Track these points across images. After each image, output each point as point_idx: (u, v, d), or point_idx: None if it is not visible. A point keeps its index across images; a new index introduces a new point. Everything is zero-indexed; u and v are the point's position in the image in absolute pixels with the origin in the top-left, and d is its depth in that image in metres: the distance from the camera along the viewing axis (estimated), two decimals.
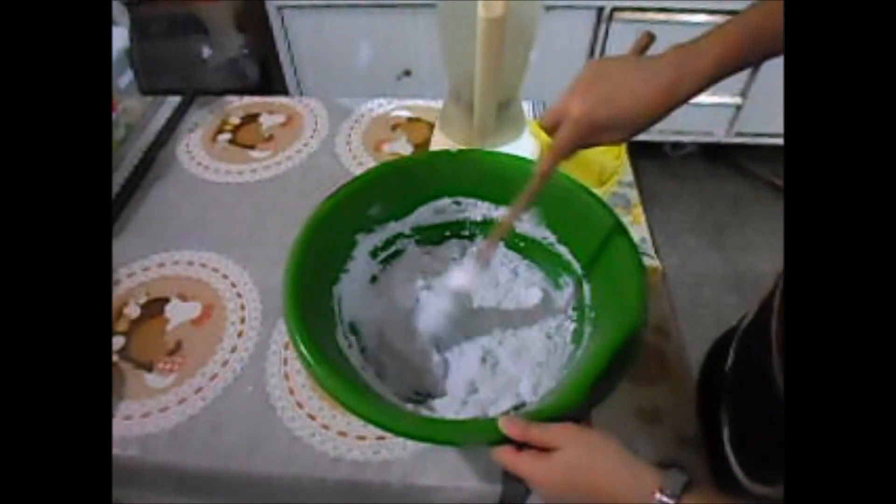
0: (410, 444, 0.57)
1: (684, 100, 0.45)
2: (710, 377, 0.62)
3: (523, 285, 0.66)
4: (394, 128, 0.93)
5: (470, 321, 0.62)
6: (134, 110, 0.96)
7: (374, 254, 0.65)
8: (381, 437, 0.57)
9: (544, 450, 0.41)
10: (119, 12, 0.98)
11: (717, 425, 0.56)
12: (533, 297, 0.64)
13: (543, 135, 0.82)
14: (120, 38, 0.97)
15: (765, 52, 0.44)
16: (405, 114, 0.96)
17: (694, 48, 0.45)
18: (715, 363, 0.61)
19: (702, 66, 0.44)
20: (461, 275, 0.59)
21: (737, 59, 0.44)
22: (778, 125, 1.68)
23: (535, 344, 0.61)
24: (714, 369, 0.61)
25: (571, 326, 0.61)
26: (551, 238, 0.64)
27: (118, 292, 0.71)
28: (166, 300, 0.70)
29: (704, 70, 0.44)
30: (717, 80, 0.44)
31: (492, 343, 0.61)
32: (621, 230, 0.56)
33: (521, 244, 0.67)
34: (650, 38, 0.49)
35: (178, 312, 0.69)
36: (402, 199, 0.65)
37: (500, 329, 0.62)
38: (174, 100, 0.98)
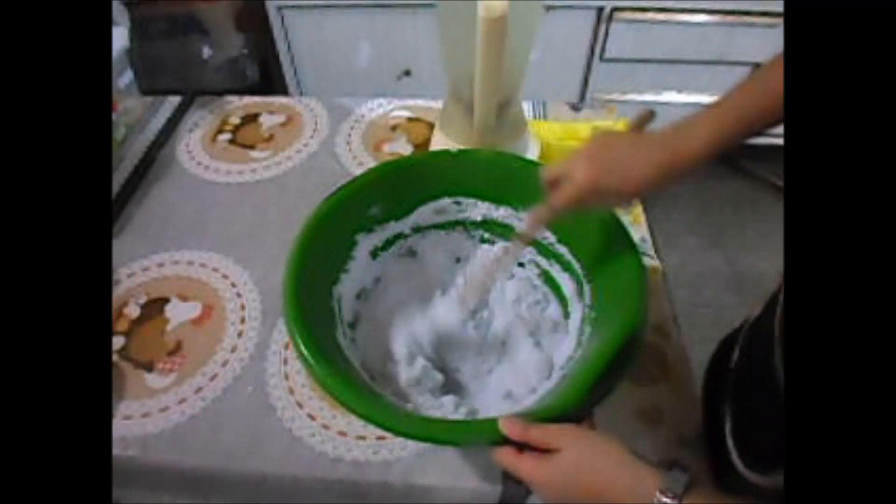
0: (410, 444, 0.57)
1: (682, 170, 0.47)
2: (716, 374, 0.63)
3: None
4: (394, 128, 0.93)
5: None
6: (134, 110, 0.96)
7: (374, 254, 0.65)
8: (381, 437, 0.57)
9: (545, 451, 0.41)
10: (119, 12, 0.97)
11: (721, 419, 0.56)
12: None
13: (544, 134, 0.83)
14: (120, 38, 0.96)
15: (757, 129, 0.47)
16: (405, 114, 0.96)
17: (687, 129, 0.47)
18: (721, 361, 0.62)
19: (695, 148, 0.47)
20: (444, 311, 0.60)
21: (729, 140, 0.46)
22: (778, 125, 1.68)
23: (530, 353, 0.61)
24: (719, 367, 0.61)
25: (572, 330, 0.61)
26: (552, 238, 0.64)
27: (118, 292, 0.71)
28: (166, 300, 0.70)
29: (697, 152, 0.46)
30: (711, 158, 0.47)
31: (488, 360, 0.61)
32: (621, 230, 0.56)
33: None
34: (650, 116, 0.52)
35: (178, 312, 0.69)
36: (402, 199, 0.65)
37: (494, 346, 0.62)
38: (174, 100, 0.98)
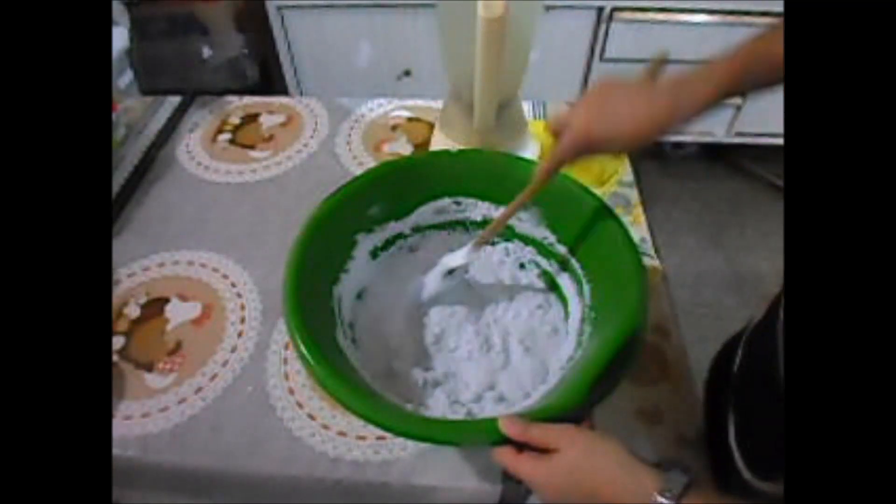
0: (410, 444, 0.57)
1: (679, 125, 0.47)
2: (719, 377, 0.63)
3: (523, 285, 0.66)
4: (394, 128, 0.93)
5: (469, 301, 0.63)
6: (134, 110, 0.96)
7: (374, 254, 0.65)
8: (381, 437, 0.57)
9: (544, 451, 0.41)
10: (119, 12, 0.98)
11: (724, 423, 0.56)
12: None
13: (544, 135, 0.83)
14: (120, 38, 0.97)
15: (761, 82, 0.46)
16: (405, 114, 0.96)
17: (694, 77, 0.47)
18: (724, 363, 0.62)
19: (699, 94, 0.47)
20: (456, 255, 0.61)
21: (734, 87, 0.46)
22: (778, 125, 1.68)
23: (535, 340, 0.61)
24: (723, 369, 0.61)
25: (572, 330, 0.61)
26: (551, 238, 0.64)
27: (118, 292, 0.71)
28: (166, 300, 0.70)
29: (701, 98, 0.47)
30: (712, 106, 0.47)
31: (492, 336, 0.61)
32: (621, 230, 0.56)
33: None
34: (662, 61, 0.52)
35: (178, 312, 0.69)
36: (402, 199, 0.65)
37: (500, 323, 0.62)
38: (174, 100, 0.98)
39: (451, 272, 0.61)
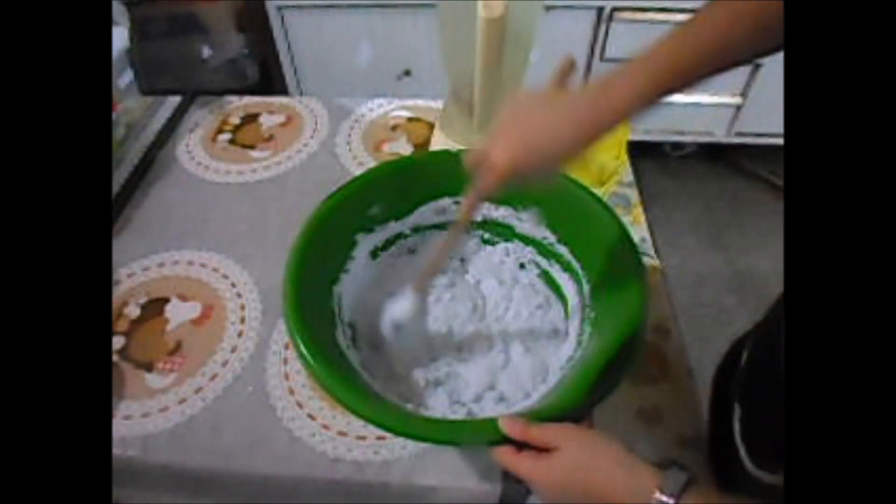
0: (410, 444, 0.57)
1: (606, 131, 0.44)
2: (726, 375, 0.63)
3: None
4: (394, 128, 0.93)
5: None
6: (134, 110, 0.96)
7: (374, 254, 0.65)
8: (381, 437, 0.57)
9: (544, 450, 0.41)
10: (119, 12, 0.97)
11: (730, 421, 0.56)
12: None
13: None
14: (120, 38, 0.97)
15: (692, 80, 0.42)
16: (405, 114, 0.96)
17: (612, 83, 0.43)
18: (731, 363, 0.61)
19: (623, 95, 0.43)
20: (399, 306, 0.57)
21: (660, 92, 0.42)
22: (778, 125, 1.68)
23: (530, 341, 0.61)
24: (730, 367, 0.61)
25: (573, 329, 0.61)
26: (551, 238, 0.64)
27: (118, 292, 0.71)
28: (166, 300, 0.70)
29: (626, 99, 0.43)
30: (646, 106, 0.43)
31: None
32: (621, 230, 0.56)
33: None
34: (571, 66, 0.48)
35: (178, 312, 0.69)
36: (402, 199, 0.65)
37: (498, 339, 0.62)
38: (174, 100, 0.98)
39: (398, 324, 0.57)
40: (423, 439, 0.47)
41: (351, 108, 0.97)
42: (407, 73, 1.60)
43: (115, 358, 0.64)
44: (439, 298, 0.63)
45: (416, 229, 0.67)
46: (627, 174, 0.84)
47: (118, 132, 0.89)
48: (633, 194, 0.82)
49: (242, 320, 0.68)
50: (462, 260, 0.68)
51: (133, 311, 0.69)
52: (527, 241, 0.66)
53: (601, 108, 0.43)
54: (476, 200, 0.50)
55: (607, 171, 0.78)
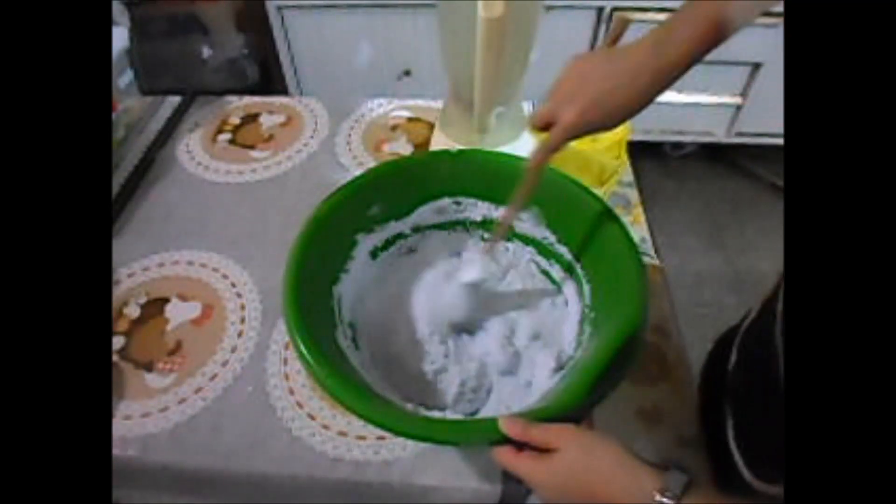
0: (410, 444, 0.57)
1: (671, 79, 0.45)
2: (712, 377, 0.62)
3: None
4: (394, 128, 0.93)
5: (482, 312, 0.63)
6: (134, 110, 0.96)
7: (374, 254, 0.65)
8: (381, 437, 0.57)
9: (544, 450, 0.41)
10: (119, 12, 0.97)
11: (721, 425, 0.56)
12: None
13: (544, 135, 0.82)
14: (120, 38, 0.97)
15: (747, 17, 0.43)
16: (405, 114, 0.96)
17: (669, 35, 0.44)
18: (717, 363, 0.61)
19: (681, 53, 0.44)
20: (471, 269, 0.60)
21: (714, 36, 0.43)
22: (778, 125, 1.68)
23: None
24: (716, 369, 0.61)
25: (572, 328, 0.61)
26: (551, 238, 0.64)
27: (118, 292, 0.71)
28: (166, 300, 0.70)
29: (684, 57, 0.44)
30: (698, 59, 0.44)
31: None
32: (621, 230, 0.56)
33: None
34: (625, 25, 0.50)
35: (178, 312, 0.69)
36: (402, 199, 0.65)
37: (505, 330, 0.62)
38: (174, 100, 0.98)
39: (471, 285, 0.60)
40: (423, 439, 0.47)
41: (351, 108, 0.97)
42: (407, 73, 1.60)
43: (115, 358, 0.64)
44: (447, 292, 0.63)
45: (416, 229, 0.67)
46: (627, 174, 0.84)
47: (118, 132, 0.89)
48: (633, 194, 0.82)
49: (242, 320, 0.68)
50: (459, 254, 0.68)
51: (133, 311, 0.69)
52: (527, 241, 0.66)
53: (662, 54, 0.44)
54: (546, 156, 0.51)
55: (607, 171, 0.78)
